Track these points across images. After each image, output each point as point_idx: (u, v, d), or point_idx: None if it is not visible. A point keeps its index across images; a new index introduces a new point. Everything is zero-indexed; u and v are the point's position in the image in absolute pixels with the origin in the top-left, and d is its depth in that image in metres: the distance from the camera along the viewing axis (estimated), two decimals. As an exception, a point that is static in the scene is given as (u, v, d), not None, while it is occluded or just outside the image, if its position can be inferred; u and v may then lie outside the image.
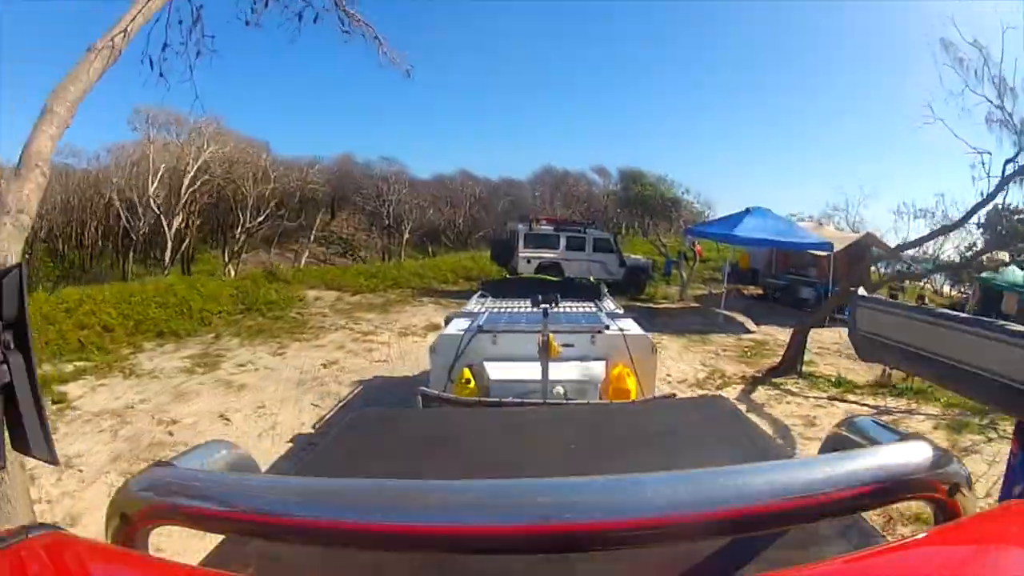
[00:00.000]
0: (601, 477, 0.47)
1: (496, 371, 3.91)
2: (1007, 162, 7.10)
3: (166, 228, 22.90)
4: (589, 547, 0.45)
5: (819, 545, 0.64)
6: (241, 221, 26.25)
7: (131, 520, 0.55)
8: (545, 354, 3.47)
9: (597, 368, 3.98)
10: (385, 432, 1.41)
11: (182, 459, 0.64)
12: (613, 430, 1.29)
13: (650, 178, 18.99)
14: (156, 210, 23.07)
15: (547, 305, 3.98)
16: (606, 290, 6.63)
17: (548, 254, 13.70)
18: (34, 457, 0.70)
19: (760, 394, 6.55)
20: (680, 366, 7.68)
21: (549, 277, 7.46)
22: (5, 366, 0.68)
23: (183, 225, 24.39)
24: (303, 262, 24.81)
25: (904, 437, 0.57)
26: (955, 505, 0.52)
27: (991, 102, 7.54)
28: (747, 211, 11.12)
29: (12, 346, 0.69)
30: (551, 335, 3.52)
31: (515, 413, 1.78)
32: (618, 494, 0.45)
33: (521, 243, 13.88)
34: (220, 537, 0.74)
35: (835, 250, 10.68)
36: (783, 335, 8.79)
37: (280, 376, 7.15)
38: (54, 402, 6.42)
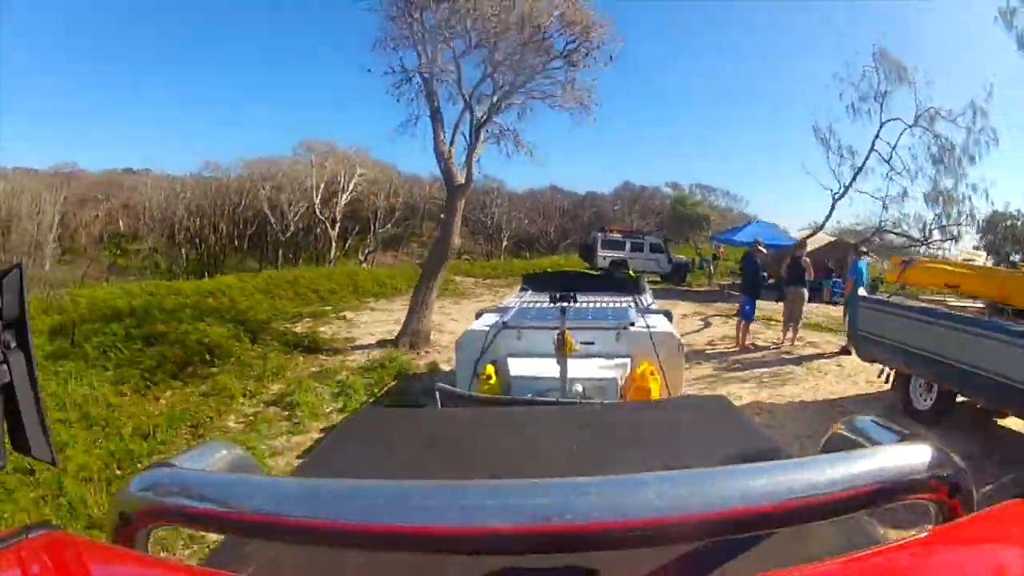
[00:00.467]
0: (601, 477, 0.49)
1: (517, 368, 4.02)
2: (833, 194, 13.46)
3: (331, 232, 31.16)
4: (589, 547, 0.46)
5: (819, 545, 0.66)
6: (374, 228, 34.19)
7: (131, 520, 0.56)
8: (561, 352, 3.56)
9: (620, 366, 4.03)
10: (386, 432, 1.43)
11: (182, 459, 0.66)
12: (614, 430, 1.33)
13: (691, 200, 25.62)
14: (321, 217, 31.20)
15: (564, 303, 4.02)
16: (646, 283, 7.12)
17: (618, 254, 20.23)
18: (33, 458, 0.72)
19: (716, 321, 12.72)
20: (682, 313, 13.98)
21: (590, 271, 8.12)
22: (5, 366, 0.69)
23: (337, 230, 32.53)
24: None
25: (904, 437, 0.59)
26: (955, 505, 0.53)
27: (841, 157, 13.86)
28: (749, 223, 17.22)
29: (12, 346, 0.70)
30: (567, 332, 3.61)
31: (516, 413, 1.86)
32: (618, 494, 0.47)
33: (599, 246, 20.57)
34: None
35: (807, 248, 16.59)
36: (766, 304, 14.93)
37: (468, 310, 14.04)
38: (343, 319, 12.15)
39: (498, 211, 36.28)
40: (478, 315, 5.28)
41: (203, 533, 0.73)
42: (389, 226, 34.52)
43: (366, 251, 33.27)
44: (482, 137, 9.67)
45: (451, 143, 9.36)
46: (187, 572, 0.65)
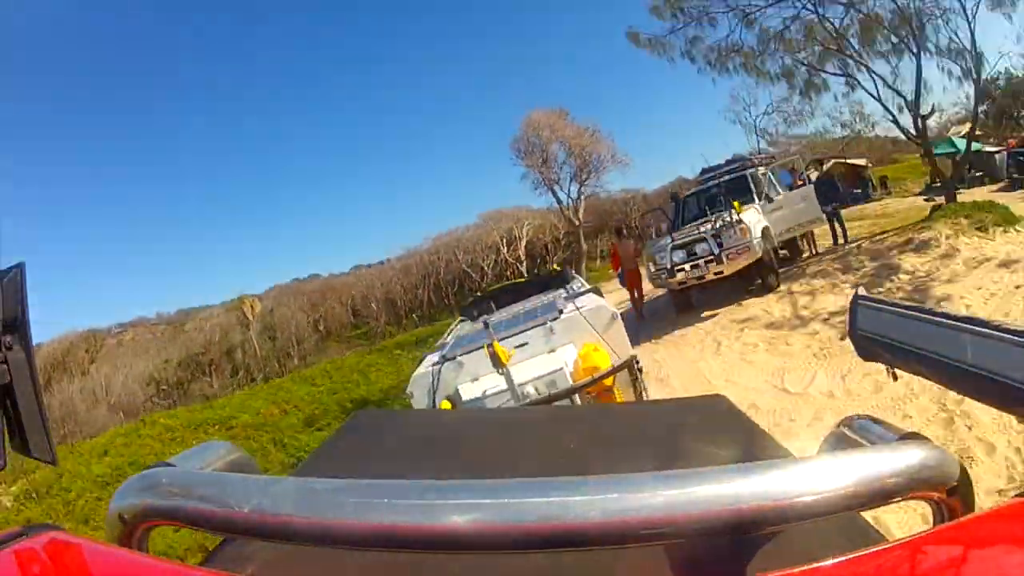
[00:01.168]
0: (597, 476, 0.51)
1: (467, 392, 4.20)
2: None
3: (521, 268, 43.87)
4: (585, 546, 0.48)
5: (818, 545, 0.66)
6: (548, 258, 47.31)
7: (130, 521, 0.58)
8: (498, 362, 3.79)
9: (563, 355, 4.22)
10: (384, 433, 1.49)
11: (181, 459, 0.69)
12: (612, 430, 1.37)
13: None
14: (511, 260, 45.18)
15: (485, 317, 4.56)
16: (573, 272, 7.67)
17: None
18: (33, 458, 0.75)
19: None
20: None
21: (517, 280, 8.49)
22: (5, 366, 0.71)
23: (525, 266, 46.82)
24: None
25: (904, 436, 0.61)
26: (955, 504, 0.55)
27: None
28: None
29: (12, 346, 0.73)
30: (496, 343, 3.89)
31: (514, 414, 1.90)
32: (615, 493, 0.48)
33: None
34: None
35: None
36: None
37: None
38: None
39: (637, 213, 47.85)
40: (419, 361, 5.34)
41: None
42: (560, 253, 47.81)
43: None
44: (582, 200, 23.25)
45: (568, 206, 23.00)
46: (187, 572, 0.65)
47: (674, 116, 58.31)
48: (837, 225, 13.17)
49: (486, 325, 4.26)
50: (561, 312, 4.64)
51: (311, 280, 46.28)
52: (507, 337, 4.38)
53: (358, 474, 0.55)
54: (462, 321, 6.73)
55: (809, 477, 0.50)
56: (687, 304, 10.76)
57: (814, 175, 23.21)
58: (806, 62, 15.79)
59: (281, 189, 57.19)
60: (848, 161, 24.88)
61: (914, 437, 0.59)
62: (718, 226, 9.85)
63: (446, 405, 4.15)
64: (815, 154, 26.26)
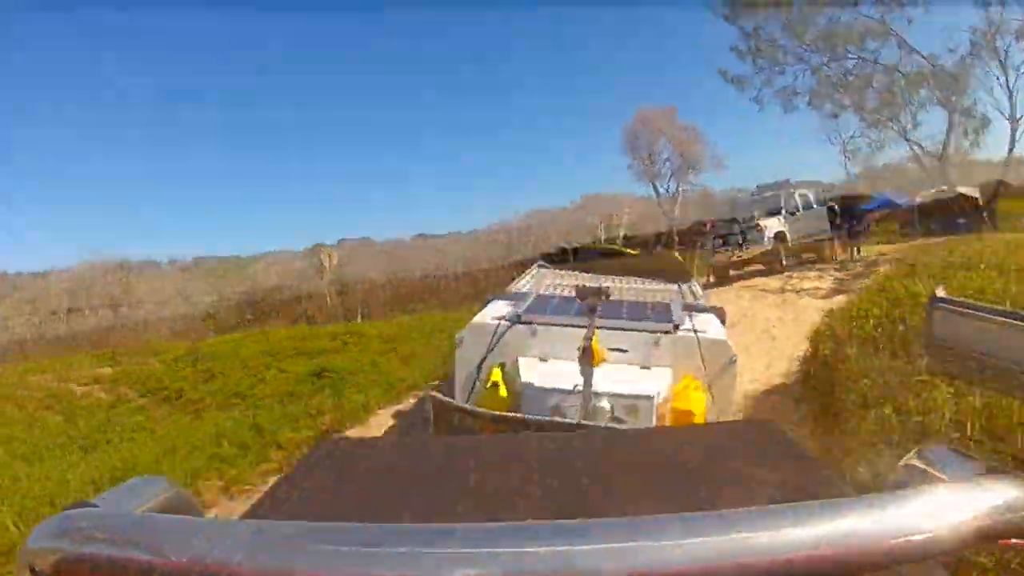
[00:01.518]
0: (617, 519, 0.45)
1: (531, 373, 3.58)
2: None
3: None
4: None
5: None
6: (651, 247, 51.76)
7: (41, 573, 0.50)
8: (587, 362, 3.23)
9: (658, 380, 3.54)
10: (354, 466, 1.34)
11: (105, 499, 0.62)
12: (634, 461, 1.23)
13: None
14: (607, 246, 49.97)
15: (592, 300, 3.68)
16: (694, 274, 6.73)
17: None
18: None
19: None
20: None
21: (629, 251, 7.00)
22: None
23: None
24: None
25: (990, 470, 0.55)
26: None
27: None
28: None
29: None
30: (595, 337, 3.27)
31: (510, 441, 1.80)
32: (639, 539, 0.43)
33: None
34: None
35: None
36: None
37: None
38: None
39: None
40: (487, 301, 4.59)
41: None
42: (660, 247, 51.75)
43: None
44: (680, 193, 28.13)
45: (666, 199, 27.97)
46: None
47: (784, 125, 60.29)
48: (852, 243, 17.87)
49: (592, 310, 3.62)
50: (677, 327, 3.94)
51: (365, 243, 44.68)
52: (607, 330, 3.74)
53: (323, 515, 0.49)
54: (541, 267, 6.04)
55: (876, 519, 0.45)
56: (725, 276, 16.04)
57: (918, 199, 25.74)
58: (863, 107, 19.91)
59: (346, 148, 54.57)
60: (957, 190, 24.53)
61: (1003, 471, 0.53)
62: (745, 226, 15.64)
63: (496, 375, 3.67)
64: (912, 182, 28.58)
